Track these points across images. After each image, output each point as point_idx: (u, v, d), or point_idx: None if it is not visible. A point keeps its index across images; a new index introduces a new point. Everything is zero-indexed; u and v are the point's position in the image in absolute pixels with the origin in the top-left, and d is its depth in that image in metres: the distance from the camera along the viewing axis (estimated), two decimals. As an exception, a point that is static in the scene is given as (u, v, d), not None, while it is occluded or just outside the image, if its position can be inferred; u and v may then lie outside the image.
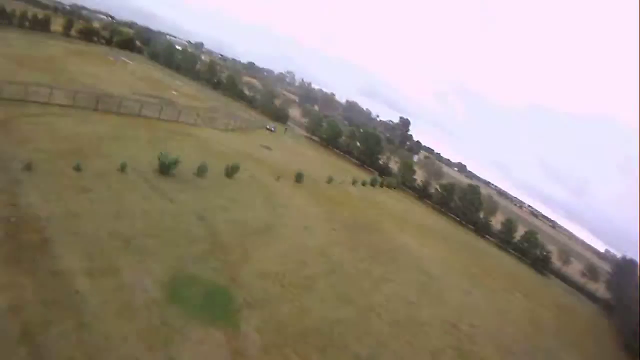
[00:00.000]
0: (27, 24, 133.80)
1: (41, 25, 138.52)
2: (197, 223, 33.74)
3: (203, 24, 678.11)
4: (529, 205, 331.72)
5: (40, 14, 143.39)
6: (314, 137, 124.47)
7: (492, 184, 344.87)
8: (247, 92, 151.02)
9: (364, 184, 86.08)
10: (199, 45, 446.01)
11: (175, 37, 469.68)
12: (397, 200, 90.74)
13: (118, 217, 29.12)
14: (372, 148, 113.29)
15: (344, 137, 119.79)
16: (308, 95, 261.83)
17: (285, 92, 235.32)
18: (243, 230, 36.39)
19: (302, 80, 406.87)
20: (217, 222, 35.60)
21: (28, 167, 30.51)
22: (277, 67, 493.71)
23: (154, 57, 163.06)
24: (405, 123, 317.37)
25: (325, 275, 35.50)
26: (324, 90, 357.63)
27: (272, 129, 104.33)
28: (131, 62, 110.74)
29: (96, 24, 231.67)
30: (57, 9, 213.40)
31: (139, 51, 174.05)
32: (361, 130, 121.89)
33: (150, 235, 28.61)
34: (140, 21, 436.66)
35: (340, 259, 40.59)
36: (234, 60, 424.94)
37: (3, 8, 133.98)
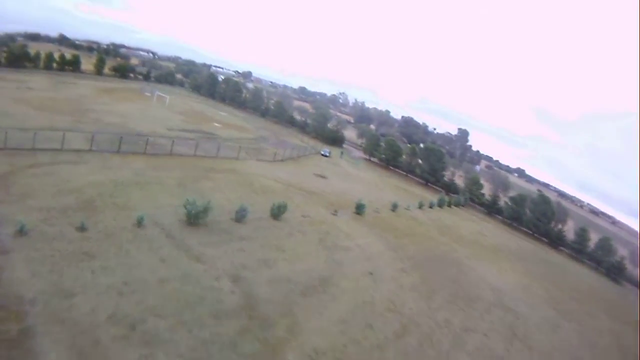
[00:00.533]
0: (54, 65, 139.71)
1: (71, 66, 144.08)
2: (231, 288, 28.07)
3: (250, 53, 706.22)
4: (588, 204, 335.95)
5: (70, 54, 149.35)
6: (373, 159, 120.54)
7: (551, 186, 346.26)
8: (298, 116, 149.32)
9: (431, 206, 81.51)
10: (247, 75, 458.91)
11: (222, 68, 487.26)
12: (468, 221, 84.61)
13: (124, 291, 23.93)
14: (435, 165, 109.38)
15: (404, 156, 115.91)
16: (363, 115, 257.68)
17: (338, 114, 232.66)
18: (291, 291, 30.35)
19: (356, 100, 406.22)
20: (258, 283, 29.87)
21: (21, 231, 26.99)
22: (329, 90, 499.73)
23: (196, 89, 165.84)
24: (464, 134, 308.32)
25: (397, 340, 28.91)
26: (379, 108, 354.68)
27: (327, 154, 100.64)
28: (169, 96, 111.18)
29: (135, 61, 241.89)
30: (92, 49, 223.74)
31: (181, 84, 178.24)
32: (422, 147, 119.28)
33: (165, 314, 23.11)
34: (186, 56, 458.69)
35: (413, 311, 34.23)
36: (284, 86, 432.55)
37: (26, 51, 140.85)
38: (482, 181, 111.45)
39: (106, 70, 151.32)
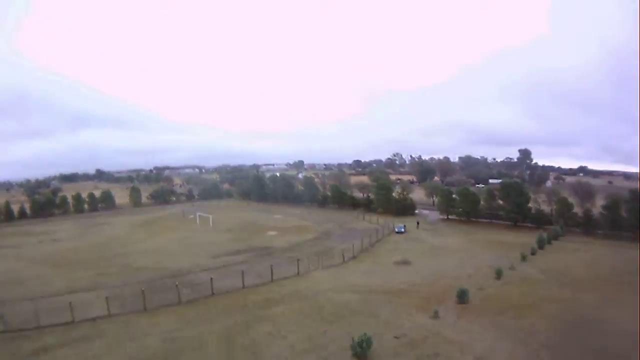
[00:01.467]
0: (85, 206, 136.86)
1: (104, 202, 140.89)
2: None
3: (297, 141, 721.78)
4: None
5: (99, 190, 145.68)
6: (451, 216, 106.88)
7: (616, 172, 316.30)
8: (358, 193, 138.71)
9: (533, 252, 64.75)
10: (299, 164, 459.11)
11: (273, 164, 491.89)
12: (576, 253, 66.48)
13: None
14: (518, 199, 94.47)
15: (482, 202, 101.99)
16: (423, 169, 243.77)
17: (399, 177, 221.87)
18: None
19: (411, 156, 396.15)
20: None
21: None
22: (383, 155, 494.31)
23: (246, 195, 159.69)
24: (526, 154, 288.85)
25: None
26: (436, 157, 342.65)
27: (402, 229, 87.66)
28: (216, 211, 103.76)
29: (178, 180, 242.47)
30: (132, 178, 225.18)
31: (229, 194, 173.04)
32: (498, 185, 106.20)
33: None
34: (233, 161, 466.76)
35: None
36: (338, 165, 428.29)
37: (52, 198, 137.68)
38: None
39: (144, 199, 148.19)
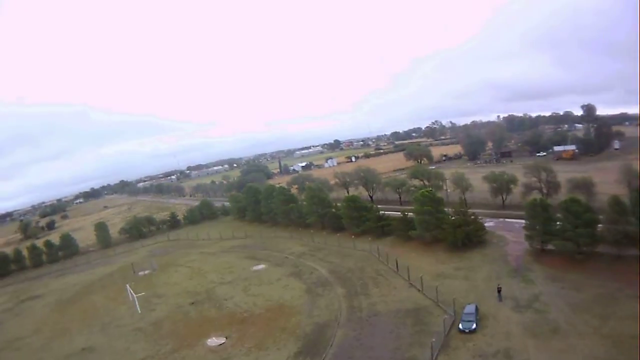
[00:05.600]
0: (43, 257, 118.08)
1: (66, 249, 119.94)
2: None
3: (334, 122, 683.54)
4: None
5: (106, 209, 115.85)
6: (549, 245, 60.95)
7: None
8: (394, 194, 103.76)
9: None
10: (335, 144, 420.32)
11: (309, 147, 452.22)
12: None
13: None
14: None
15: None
16: (472, 140, 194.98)
17: (444, 153, 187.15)
18: None
19: (451, 122, 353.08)
20: None
21: None
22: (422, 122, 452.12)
23: (242, 212, 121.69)
24: (591, 111, 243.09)
25: None
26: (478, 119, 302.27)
27: (472, 323, 42.10)
28: (143, 292, 66.12)
29: (188, 189, 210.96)
30: (149, 189, 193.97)
31: (225, 212, 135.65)
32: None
33: None
34: (269, 148, 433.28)
35: None
36: (377, 138, 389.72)
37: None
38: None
39: (116, 233, 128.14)
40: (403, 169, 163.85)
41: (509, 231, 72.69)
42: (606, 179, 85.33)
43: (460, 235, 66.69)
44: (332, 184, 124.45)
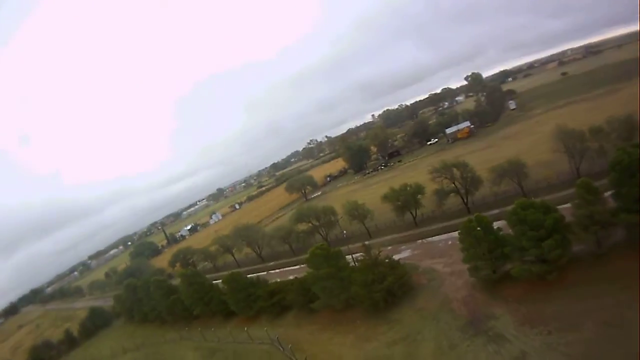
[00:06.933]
0: None
1: None
2: None
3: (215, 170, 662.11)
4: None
5: None
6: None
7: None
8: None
9: None
10: (219, 193, 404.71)
11: (195, 203, 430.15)
12: None
13: None
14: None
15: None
16: (354, 151, 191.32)
17: (329, 174, 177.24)
18: None
19: (326, 137, 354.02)
20: None
21: None
22: (299, 146, 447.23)
23: (130, 314, 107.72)
24: (477, 79, 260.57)
25: None
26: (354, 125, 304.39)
27: None
28: None
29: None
30: None
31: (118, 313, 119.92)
32: None
33: None
34: (160, 214, 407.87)
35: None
36: (258, 174, 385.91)
37: None
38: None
39: None
40: (289, 204, 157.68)
41: (436, 258, 60.93)
42: (522, 147, 78.19)
43: (380, 295, 52.71)
44: (214, 251, 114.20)
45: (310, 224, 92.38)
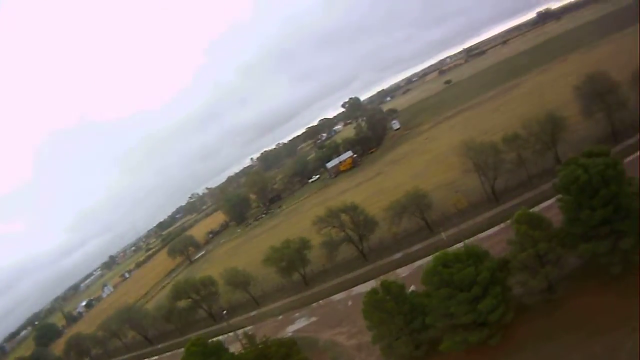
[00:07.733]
0: None
1: None
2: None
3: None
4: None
5: None
6: None
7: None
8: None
9: None
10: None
11: None
12: None
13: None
14: None
15: None
16: (234, 202, 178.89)
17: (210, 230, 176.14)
18: None
19: (207, 188, 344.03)
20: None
21: None
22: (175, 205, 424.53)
23: None
24: (355, 105, 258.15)
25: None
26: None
27: None
28: None
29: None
30: None
31: None
32: None
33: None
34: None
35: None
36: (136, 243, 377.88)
37: None
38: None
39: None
40: (174, 269, 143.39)
41: (337, 326, 50.64)
42: (414, 170, 69.39)
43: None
44: (102, 337, 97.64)
45: (190, 300, 79.16)
